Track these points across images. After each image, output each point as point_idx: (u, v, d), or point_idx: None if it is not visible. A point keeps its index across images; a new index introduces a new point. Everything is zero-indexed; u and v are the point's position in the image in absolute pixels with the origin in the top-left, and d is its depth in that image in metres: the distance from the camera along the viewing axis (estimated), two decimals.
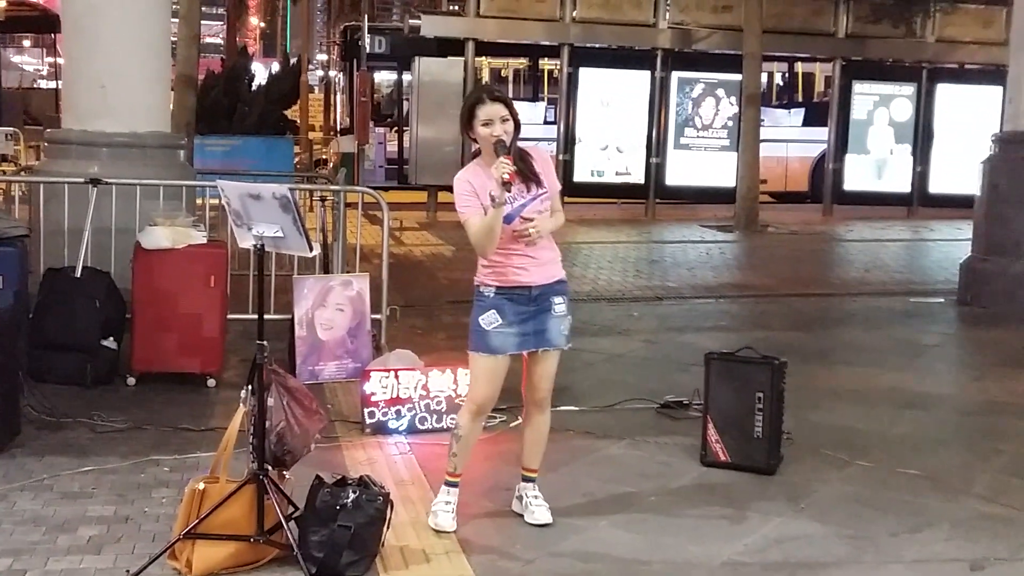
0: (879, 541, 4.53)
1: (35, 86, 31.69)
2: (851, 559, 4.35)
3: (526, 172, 4.36)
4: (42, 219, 7.36)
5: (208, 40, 39.79)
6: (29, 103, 23.52)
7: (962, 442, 6.04)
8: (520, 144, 4.41)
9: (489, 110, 4.32)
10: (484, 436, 5.57)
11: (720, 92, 18.06)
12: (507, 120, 4.31)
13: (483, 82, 22.27)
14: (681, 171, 18.10)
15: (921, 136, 18.99)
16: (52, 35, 23.70)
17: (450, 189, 14.31)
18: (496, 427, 5.79)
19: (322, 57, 46.96)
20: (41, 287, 6.68)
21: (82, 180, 7.07)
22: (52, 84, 25.84)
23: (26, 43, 40.66)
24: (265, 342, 4.14)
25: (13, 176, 10.75)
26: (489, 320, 4.40)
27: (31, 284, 6.66)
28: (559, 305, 4.47)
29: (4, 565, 4.00)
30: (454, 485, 4.56)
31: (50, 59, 29.40)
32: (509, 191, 4.21)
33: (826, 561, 4.32)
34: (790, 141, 20.43)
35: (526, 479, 4.67)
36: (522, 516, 4.60)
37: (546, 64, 21.37)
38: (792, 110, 22.10)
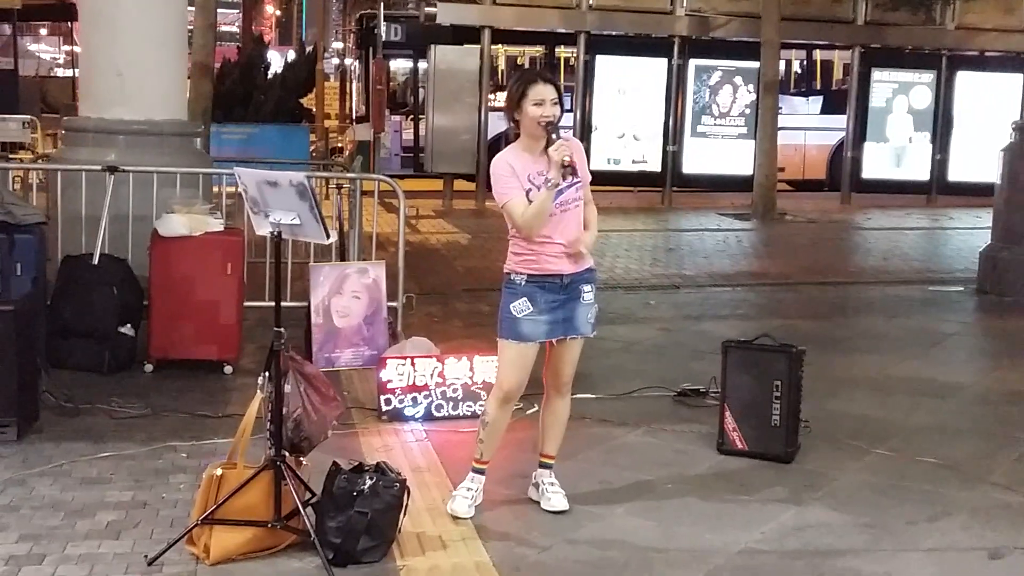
0: (897, 529, 4.51)
1: (52, 74, 31.81)
2: (869, 547, 4.34)
3: (563, 162, 4.35)
4: (60, 207, 7.39)
5: (224, 28, 39.81)
6: (46, 91, 23.59)
7: (980, 431, 6.01)
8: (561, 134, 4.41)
9: (541, 90, 4.32)
10: None
11: (738, 80, 17.99)
12: (556, 104, 4.32)
13: (500, 70, 22.26)
14: (698, 159, 18.05)
15: (940, 124, 18.88)
16: (69, 23, 23.77)
17: (466, 177, 14.40)
18: (514, 414, 5.77)
19: (338, 45, 46.90)
20: (59, 274, 6.71)
21: (99, 168, 7.09)
22: (69, 72, 25.93)
23: (43, 31, 40.77)
24: (283, 329, 4.15)
25: (31, 164, 10.79)
26: (520, 308, 4.40)
27: (49, 271, 6.68)
28: (587, 293, 4.48)
29: (23, 550, 4.02)
30: (480, 472, 4.57)
31: (67, 47, 29.50)
32: (576, 175, 4.24)
33: (844, 549, 4.31)
34: (808, 129, 20.33)
35: (543, 465, 4.67)
36: (539, 503, 4.60)
37: (562, 52, 21.28)
38: (810, 98, 21.99)
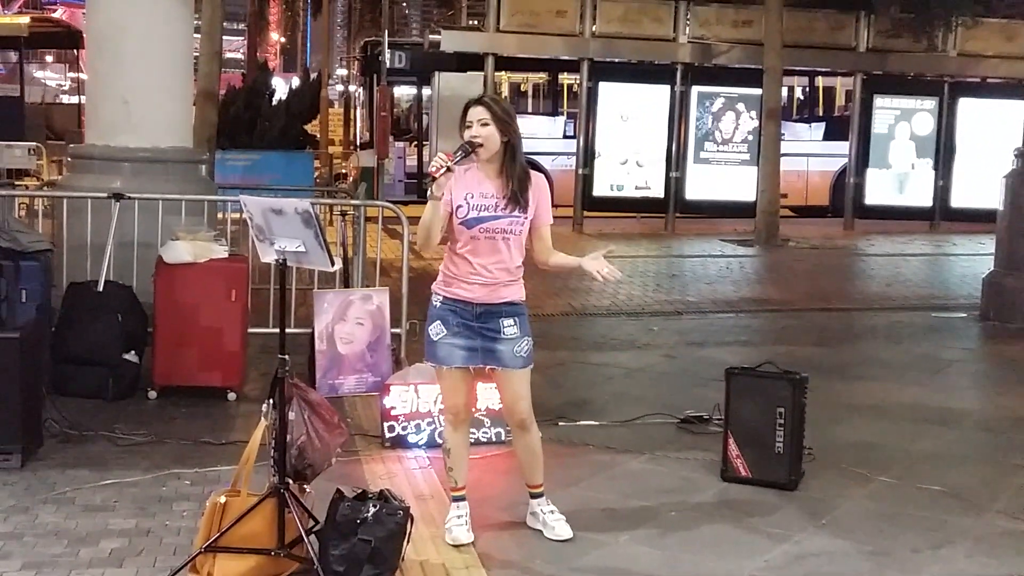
0: (901, 557, 4.50)
1: (58, 101, 31.94)
2: (873, 575, 4.32)
3: (514, 193, 4.34)
4: (65, 233, 7.42)
5: (229, 55, 40.05)
6: (52, 118, 23.67)
7: (984, 458, 6.00)
8: (533, 170, 4.45)
9: (472, 112, 4.35)
10: (501, 450, 5.60)
11: (740, 106, 18.03)
12: (486, 124, 4.31)
13: (503, 97, 22.36)
14: (701, 185, 18.07)
15: (943, 150, 18.89)
16: (75, 51, 23.89)
17: None
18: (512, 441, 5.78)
19: (342, 72, 47.14)
20: (64, 301, 6.73)
21: (105, 195, 7.13)
22: (75, 99, 26.02)
23: (49, 58, 41.02)
24: (287, 356, 4.16)
25: (36, 191, 10.83)
26: (436, 331, 4.42)
27: (54, 298, 6.71)
28: (509, 328, 4.38)
29: None
30: (461, 499, 4.57)
31: (73, 74, 29.62)
32: (431, 182, 4.18)
33: None
34: (811, 155, 20.37)
35: (533, 495, 4.66)
36: (539, 531, 4.59)
37: (566, 78, 21.38)
38: (813, 124, 22.05)
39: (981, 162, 18.18)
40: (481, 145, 4.30)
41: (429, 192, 4.22)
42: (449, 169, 4.18)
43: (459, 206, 4.32)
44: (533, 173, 4.45)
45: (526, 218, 4.39)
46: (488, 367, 4.45)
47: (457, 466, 4.56)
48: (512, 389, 4.48)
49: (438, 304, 4.43)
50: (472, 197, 4.33)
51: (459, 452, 4.57)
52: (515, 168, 4.36)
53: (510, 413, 4.55)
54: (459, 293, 4.39)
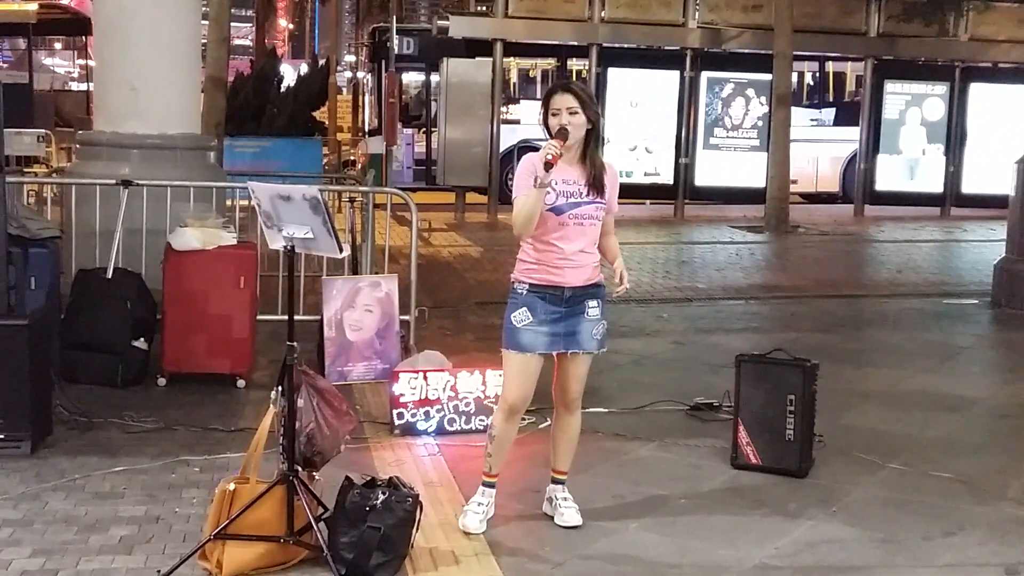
0: (912, 545, 4.49)
1: (66, 88, 31.94)
2: (883, 563, 4.31)
3: (596, 179, 4.37)
4: (74, 220, 7.42)
5: (237, 42, 40.01)
6: (60, 105, 23.66)
7: (996, 445, 5.98)
8: (605, 160, 4.47)
9: (559, 100, 4.34)
10: (516, 438, 5.57)
11: (750, 92, 17.97)
12: (575, 112, 4.31)
13: (511, 83, 22.30)
14: (711, 171, 18.03)
15: (954, 136, 18.82)
16: (83, 38, 23.86)
17: (478, 190, 14.44)
18: (525, 428, 5.75)
19: (350, 58, 47.09)
20: (73, 288, 6.73)
21: (113, 182, 7.12)
22: (83, 86, 26.00)
23: (57, 45, 41.00)
24: (295, 343, 4.15)
25: (45, 178, 10.84)
26: (520, 318, 4.39)
27: (63, 285, 6.70)
28: (593, 309, 4.43)
29: (36, 564, 4.03)
30: (490, 486, 4.56)
31: (81, 61, 29.58)
32: (547, 170, 4.17)
33: (858, 565, 4.29)
34: (821, 141, 20.30)
35: (555, 481, 4.66)
36: (552, 518, 4.59)
37: (574, 64, 21.31)
38: (823, 110, 21.96)
39: (992, 148, 18.12)
40: (572, 132, 4.30)
41: (538, 181, 4.17)
42: (560, 156, 4.18)
43: (546, 193, 4.30)
44: (608, 162, 4.47)
45: (606, 203, 4.42)
46: (570, 352, 4.43)
47: (497, 454, 4.54)
48: (577, 370, 4.49)
49: (524, 291, 4.41)
50: (557, 184, 4.31)
51: (504, 442, 4.54)
52: (597, 155, 4.39)
53: (564, 392, 4.54)
54: (548, 279, 4.37)
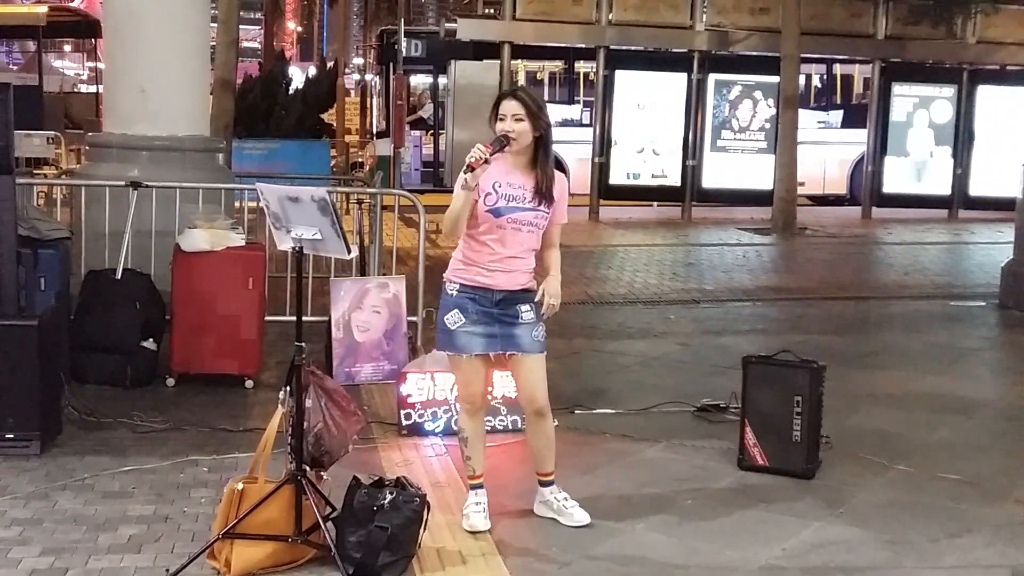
0: (919, 546, 4.49)
1: (76, 90, 32.02)
2: (890, 564, 4.32)
3: (544, 188, 4.38)
4: (83, 222, 7.45)
5: (246, 44, 40.11)
6: (70, 107, 23.74)
7: (1003, 447, 5.97)
8: (557, 170, 4.47)
9: (506, 105, 4.36)
10: (517, 438, 5.60)
11: (757, 94, 17.94)
12: (520, 119, 4.32)
13: (519, 84, 22.30)
14: (718, 173, 18.00)
15: (962, 138, 18.77)
16: (93, 40, 23.94)
17: None
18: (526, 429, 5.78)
19: (358, 61, 47.12)
20: (82, 289, 6.76)
21: (123, 183, 7.15)
22: (92, 88, 26.08)
23: (67, 48, 41.13)
24: (304, 343, 4.17)
25: (55, 179, 10.88)
26: (453, 319, 4.41)
27: (72, 286, 6.74)
28: (527, 312, 4.42)
29: (46, 563, 4.05)
30: (478, 487, 4.59)
31: (90, 63, 29.70)
32: (466, 172, 4.18)
33: (865, 566, 4.29)
34: (828, 143, 20.27)
35: (544, 484, 4.66)
36: (555, 519, 4.59)
37: (582, 67, 21.35)
38: (830, 112, 21.93)
39: (1000, 150, 18.08)
40: (515, 139, 4.31)
41: (462, 182, 4.21)
42: (487, 161, 4.19)
43: (487, 194, 4.34)
44: (558, 173, 4.48)
45: (548, 213, 4.43)
46: (508, 352, 4.44)
47: (474, 454, 4.57)
48: (530, 375, 4.48)
49: (454, 292, 4.44)
50: (500, 186, 4.35)
51: (476, 440, 4.58)
52: (547, 163, 4.40)
53: (529, 400, 4.54)
54: (479, 280, 4.40)
